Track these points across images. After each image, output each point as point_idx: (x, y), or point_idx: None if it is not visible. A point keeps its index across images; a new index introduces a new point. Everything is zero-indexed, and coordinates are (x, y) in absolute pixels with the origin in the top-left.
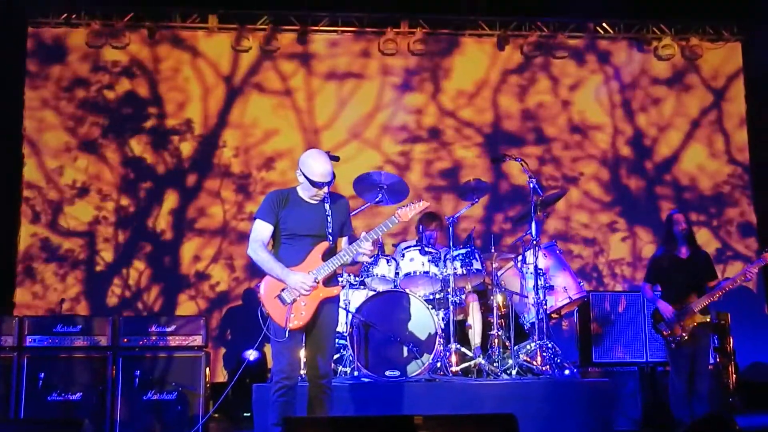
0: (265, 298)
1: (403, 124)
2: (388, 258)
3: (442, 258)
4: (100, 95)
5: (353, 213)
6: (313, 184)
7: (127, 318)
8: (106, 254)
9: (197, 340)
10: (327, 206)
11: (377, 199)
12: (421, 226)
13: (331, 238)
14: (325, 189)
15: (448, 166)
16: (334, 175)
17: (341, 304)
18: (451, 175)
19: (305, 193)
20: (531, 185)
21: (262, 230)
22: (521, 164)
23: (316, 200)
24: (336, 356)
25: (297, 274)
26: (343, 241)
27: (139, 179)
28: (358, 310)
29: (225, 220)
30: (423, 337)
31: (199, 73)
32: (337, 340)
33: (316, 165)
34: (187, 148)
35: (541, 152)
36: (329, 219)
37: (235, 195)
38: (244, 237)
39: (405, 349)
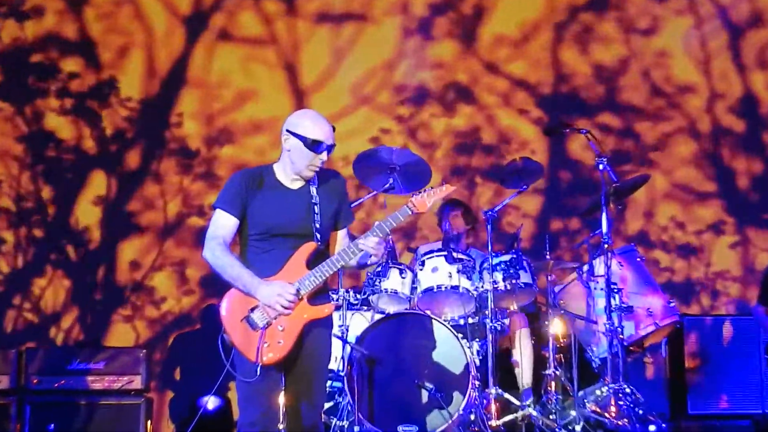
0: (229, 320)
1: (422, 84)
2: (401, 267)
3: (478, 267)
4: None
5: (353, 204)
6: (314, 147)
7: (37, 351)
8: (3, 263)
9: (135, 382)
10: (314, 189)
11: (387, 186)
12: (446, 223)
13: (318, 236)
14: (325, 156)
15: (485, 141)
16: (334, 141)
17: (336, 330)
18: (489, 153)
19: (289, 167)
20: (601, 167)
21: (223, 224)
22: (587, 138)
23: (305, 176)
24: (328, 404)
25: (272, 285)
26: (341, 237)
27: (54, 159)
28: (359, 340)
29: (178, 214)
30: (450, 377)
31: (146, 10)
32: (330, 382)
33: (311, 119)
34: (124, 116)
35: (615, 122)
36: (316, 209)
37: (192, 181)
38: (203, 238)
39: (425, 394)
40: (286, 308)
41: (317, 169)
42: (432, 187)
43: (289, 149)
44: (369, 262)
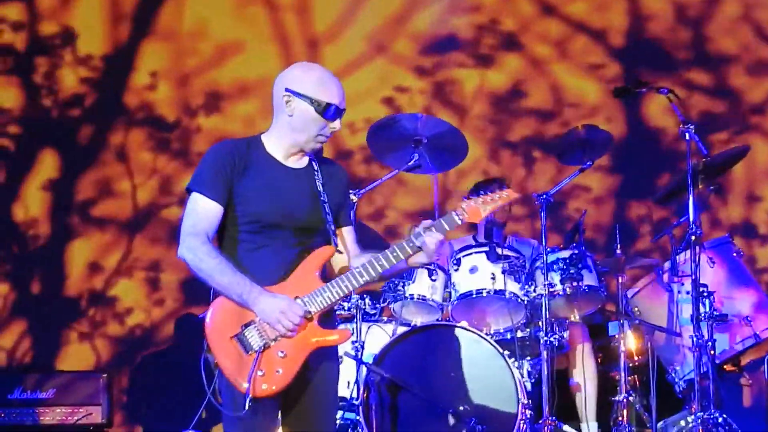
0: (215, 337)
1: (453, 33)
2: (430, 268)
3: (529, 267)
4: None
5: (368, 188)
6: (323, 110)
7: None
8: None
9: (94, 414)
10: (317, 175)
11: (411, 163)
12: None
13: (333, 228)
14: (338, 124)
15: (535, 104)
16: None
17: (349, 348)
18: (542, 119)
19: (281, 146)
20: (686, 136)
21: (204, 213)
22: (669, 99)
23: (308, 151)
24: None
25: (276, 296)
26: (347, 236)
27: None
28: (378, 359)
29: (146, 202)
30: (494, 406)
31: None
32: (341, 413)
33: (320, 75)
34: (75, 77)
35: (705, 81)
36: (322, 194)
37: (163, 159)
38: (177, 231)
39: (463, 429)
40: (290, 329)
41: (325, 141)
42: (489, 191)
43: (291, 114)
44: (412, 264)
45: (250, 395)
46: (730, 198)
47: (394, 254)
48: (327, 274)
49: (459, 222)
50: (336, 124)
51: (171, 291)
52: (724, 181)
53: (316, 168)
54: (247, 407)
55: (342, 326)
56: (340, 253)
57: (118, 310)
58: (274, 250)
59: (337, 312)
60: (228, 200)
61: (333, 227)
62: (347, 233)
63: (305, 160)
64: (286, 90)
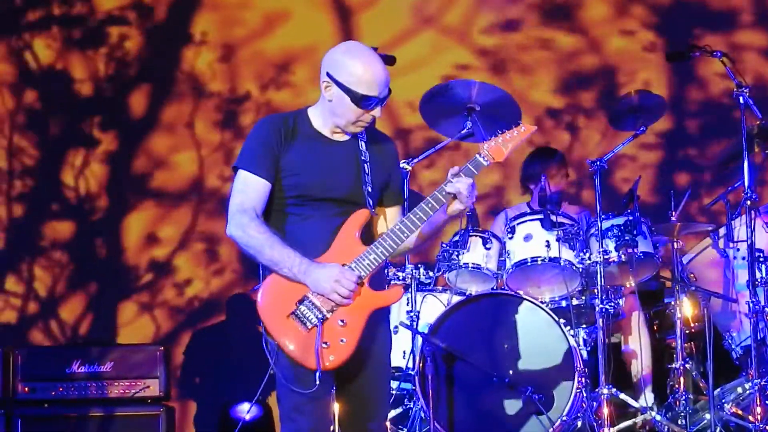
0: (271, 319)
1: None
2: (485, 236)
3: (583, 234)
4: None
5: (418, 159)
6: (359, 101)
7: (29, 350)
8: None
9: (152, 387)
10: (362, 144)
11: (464, 131)
12: (543, 177)
13: (371, 199)
14: (378, 111)
15: (587, 68)
16: (389, 89)
17: (404, 317)
18: (594, 83)
19: (330, 119)
20: (741, 100)
21: (253, 191)
22: (723, 63)
23: (350, 133)
24: (395, 411)
25: (327, 267)
26: (389, 216)
27: (44, 107)
28: (433, 329)
29: (200, 174)
30: (550, 374)
31: None
32: (397, 383)
33: (361, 65)
34: (131, 48)
35: (762, 40)
36: (367, 166)
37: (217, 130)
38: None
39: (519, 396)
40: (345, 298)
41: (366, 126)
42: (506, 129)
43: (330, 99)
44: (451, 212)
45: (320, 369)
46: None
47: (429, 205)
48: (366, 239)
49: (485, 163)
50: (376, 113)
51: (229, 263)
52: None
53: (362, 141)
54: (318, 382)
55: (396, 287)
56: (375, 216)
57: (177, 280)
58: (320, 222)
59: (392, 282)
60: (276, 176)
61: (372, 195)
62: (389, 212)
63: (352, 134)
64: (327, 75)
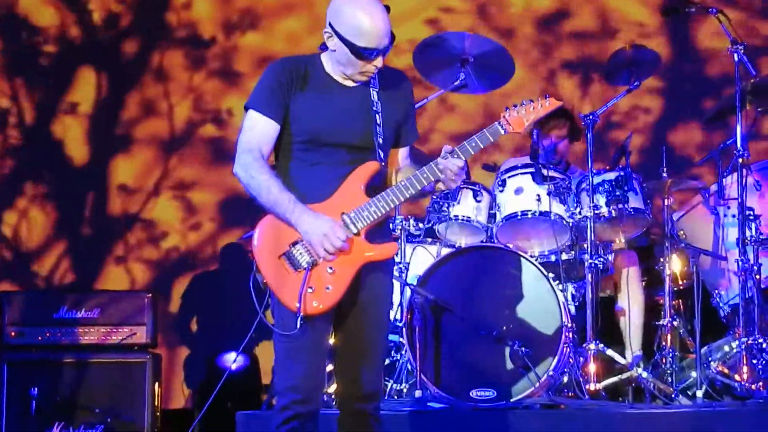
0: (263, 256)
1: None
2: (475, 188)
3: (575, 188)
4: None
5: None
6: (359, 53)
7: (15, 295)
8: None
9: (138, 334)
10: (374, 93)
11: (457, 82)
12: (535, 131)
13: (381, 152)
14: (379, 61)
15: (581, 24)
16: (393, 37)
17: (394, 270)
18: (587, 40)
19: (337, 67)
20: (735, 56)
21: (260, 131)
22: (718, 19)
23: (358, 81)
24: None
25: (319, 219)
26: (401, 155)
27: (29, 52)
28: (422, 281)
29: (186, 123)
30: (539, 328)
31: None
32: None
33: (360, 16)
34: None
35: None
36: (378, 116)
37: (205, 78)
38: (217, 153)
39: (506, 350)
40: (333, 249)
41: (371, 75)
42: (531, 101)
43: (333, 49)
44: (437, 189)
45: (301, 313)
46: None
47: (425, 175)
48: (372, 190)
49: (503, 132)
50: (377, 62)
51: (212, 215)
52: None
53: (374, 90)
54: (298, 326)
55: (392, 242)
56: (386, 168)
57: (159, 231)
58: (328, 168)
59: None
60: (284, 118)
61: (383, 147)
62: (402, 155)
63: (364, 80)
64: (329, 24)
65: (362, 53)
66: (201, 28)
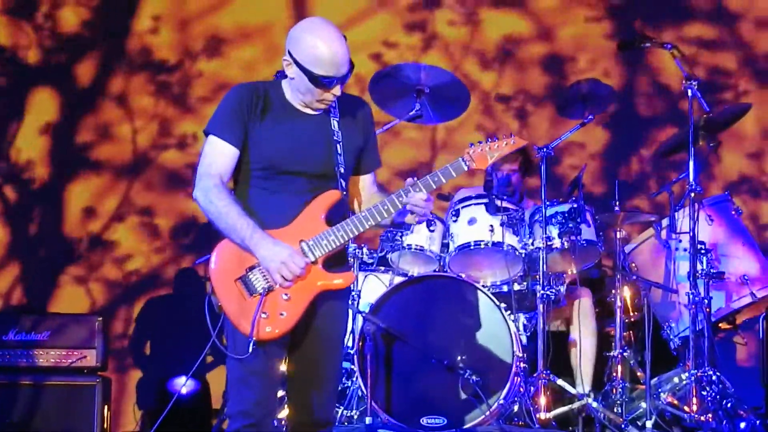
0: (219, 279)
1: None
2: (429, 218)
3: (528, 220)
4: None
5: None
6: (318, 81)
7: None
8: None
9: (89, 357)
10: (335, 122)
11: (413, 113)
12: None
13: (343, 181)
14: (337, 90)
15: (537, 54)
16: (352, 64)
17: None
18: (544, 70)
19: (296, 94)
20: (689, 92)
21: (220, 156)
22: (673, 55)
23: (317, 109)
24: None
25: (277, 244)
26: (367, 182)
27: None
28: (374, 309)
29: (143, 146)
30: (489, 358)
31: None
32: None
33: (321, 44)
34: (72, 18)
35: (712, 34)
36: (339, 146)
37: (161, 103)
38: (175, 177)
39: (458, 379)
40: (289, 277)
41: (329, 103)
42: (496, 138)
43: (292, 77)
44: (407, 221)
45: (254, 338)
46: (730, 156)
47: (386, 208)
48: (333, 219)
49: (466, 168)
50: (335, 91)
51: (167, 237)
52: (725, 139)
53: (334, 119)
54: (250, 350)
55: (350, 271)
56: (347, 197)
57: (114, 254)
58: (288, 196)
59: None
60: (244, 143)
61: (344, 176)
62: (367, 183)
63: (323, 107)
64: (288, 52)
65: (321, 81)
66: (159, 53)
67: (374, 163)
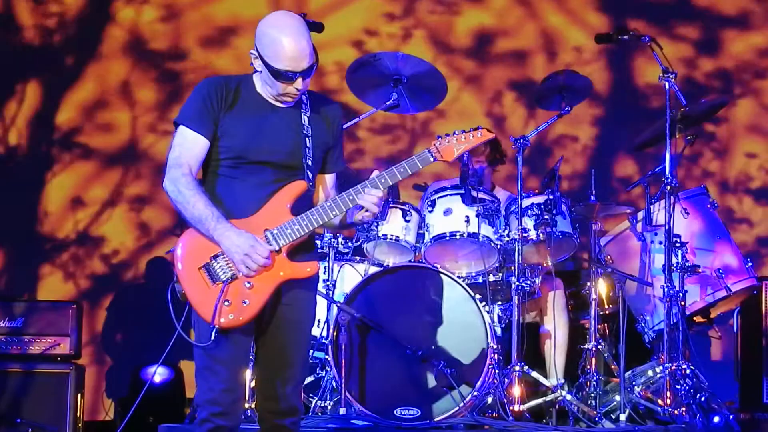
0: (184, 267)
1: None
2: (404, 208)
3: (504, 211)
4: None
5: (347, 125)
6: (277, 75)
7: None
8: None
9: (62, 345)
10: (305, 117)
11: (390, 102)
12: (465, 154)
13: (310, 173)
14: (299, 83)
15: (516, 46)
16: (315, 58)
17: (320, 287)
18: (519, 62)
19: (267, 87)
20: (666, 85)
21: (189, 146)
22: (651, 47)
23: (284, 102)
24: (308, 379)
25: (241, 234)
26: (328, 182)
27: None
28: (349, 299)
29: (135, 134)
30: (465, 349)
31: None
32: (311, 352)
33: (283, 39)
34: (61, 5)
35: (694, 33)
36: (308, 139)
37: (156, 90)
38: (158, 168)
39: (432, 370)
40: (253, 267)
41: (294, 97)
42: (463, 131)
43: (259, 71)
44: (356, 220)
45: (216, 326)
46: (706, 151)
47: (350, 197)
48: (298, 210)
49: (432, 160)
50: (297, 85)
51: (148, 226)
52: (702, 133)
53: (305, 114)
54: (212, 338)
55: (314, 261)
56: (313, 190)
57: (92, 243)
58: (254, 186)
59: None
60: (213, 134)
61: (311, 168)
62: (328, 182)
63: (292, 101)
64: (255, 46)
65: (282, 75)
66: (150, 42)
67: (338, 164)
